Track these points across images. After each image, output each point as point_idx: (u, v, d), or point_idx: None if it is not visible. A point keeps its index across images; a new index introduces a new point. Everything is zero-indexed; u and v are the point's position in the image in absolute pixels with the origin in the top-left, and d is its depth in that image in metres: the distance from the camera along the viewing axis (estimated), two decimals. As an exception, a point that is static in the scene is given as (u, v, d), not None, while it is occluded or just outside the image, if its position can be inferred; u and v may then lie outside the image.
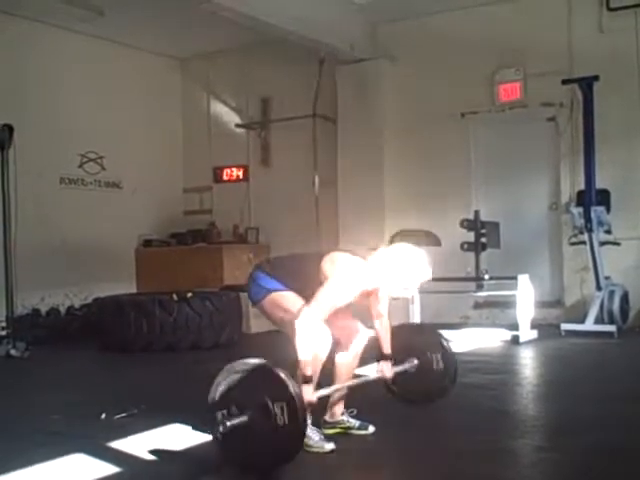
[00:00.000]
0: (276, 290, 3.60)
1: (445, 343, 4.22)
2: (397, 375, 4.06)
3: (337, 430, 3.79)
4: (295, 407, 3.00)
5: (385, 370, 3.95)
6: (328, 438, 3.57)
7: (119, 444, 3.72)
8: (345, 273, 3.49)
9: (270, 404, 3.04)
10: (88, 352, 7.41)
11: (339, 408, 3.83)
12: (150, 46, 9.86)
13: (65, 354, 7.33)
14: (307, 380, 3.37)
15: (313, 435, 3.52)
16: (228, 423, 3.08)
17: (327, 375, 3.71)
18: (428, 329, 4.55)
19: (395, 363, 4.03)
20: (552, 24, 8.22)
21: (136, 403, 4.50)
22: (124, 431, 3.92)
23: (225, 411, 3.15)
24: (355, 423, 3.81)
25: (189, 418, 4.12)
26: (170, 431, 3.97)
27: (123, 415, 4.29)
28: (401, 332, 4.19)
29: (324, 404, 3.79)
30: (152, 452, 3.59)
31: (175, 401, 4.76)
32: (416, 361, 4.16)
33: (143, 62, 10.00)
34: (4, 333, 7.16)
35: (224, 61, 10.24)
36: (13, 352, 6.87)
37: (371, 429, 3.79)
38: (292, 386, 3.05)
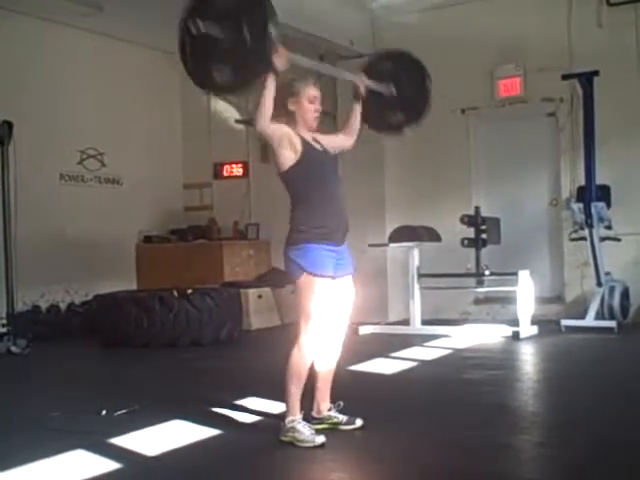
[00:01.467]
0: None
1: (422, 71, 4.22)
2: (371, 94, 4.07)
3: (325, 426, 3.78)
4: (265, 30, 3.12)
5: (362, 78, 4.03)
6: (318, 432, 3.58)
7: (119, 441, 3.72)
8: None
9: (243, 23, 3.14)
10: (88, 349, 7.41)
11: (325, 404, 3.83)
12: (150, 42, 9.83)
13: (65, 351, 7.34)
14: None
15: (304, 430, 3.54)
16: (201, 26, 3.19)
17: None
18: (403, 55, 4.48)
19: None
20: (552, 19, 8.20)
21: (136, 399, 4.50)
22: (124, 427, 3.92)
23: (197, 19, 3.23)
24: (342, 418, 3.81)
25: (189, 414, 4.13)
26: (170, 428, 3.97)
27: (123, 411, 4.29)
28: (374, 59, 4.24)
29: (311, 399, 3.79)
30: (152, 449, 3.59)
31: (175, 398, 4.76)
32: (392, 87, 4.13)
33: (143, 58, 9.98)
34: (4, 330, 7.16)
35: (224, 57, 10.21)
36: (13, 349, 6.88)
37: (359, 423, 3.79)
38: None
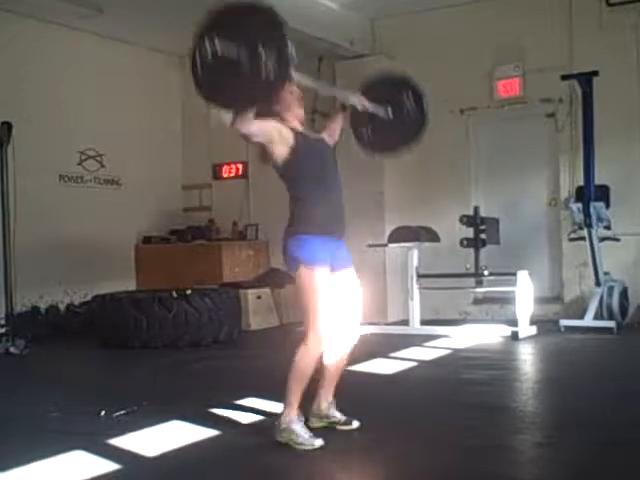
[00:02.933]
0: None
1: (415, 86, 4.22)
2: (370, 116, 4.04)
3: (322, 424, 3.78)
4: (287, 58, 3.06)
5: (361, 100, 3.98)
6: (316, 434, 3.56)
7: (119, 441, 3.72)
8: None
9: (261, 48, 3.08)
10: (87, 349, 7.41)
11: (326, 402, 3.82)
12: (150, 43, 9.84)
13: (64, 351, 7.34)
14: None
15: (301, 432, 3.52)
16: (217, 49, 3.12)
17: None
18: (395, 76, 4.50)
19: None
20: (551, 19, 8.21)
21: (136, 400, 4.50)
22: (124, 428, 3.93)
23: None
24: (341, 418, 3.81)
25: (188, 415, 4.13)
26: (170, 428, 3.97)
27: (123, 412, 4.29)
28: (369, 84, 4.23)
29: (312, 395, 3.78)
30: (152, 449, 3.59)
31: (175, 398, 4.76)
32: (390, 108, 4.09)
33: (143, 59, 9.99)
34: (3, 331, 7.16)
35: (223, 58, 10.22)
36: (12, 350, 6.87)
37: (355, 424, 3.79)
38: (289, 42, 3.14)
